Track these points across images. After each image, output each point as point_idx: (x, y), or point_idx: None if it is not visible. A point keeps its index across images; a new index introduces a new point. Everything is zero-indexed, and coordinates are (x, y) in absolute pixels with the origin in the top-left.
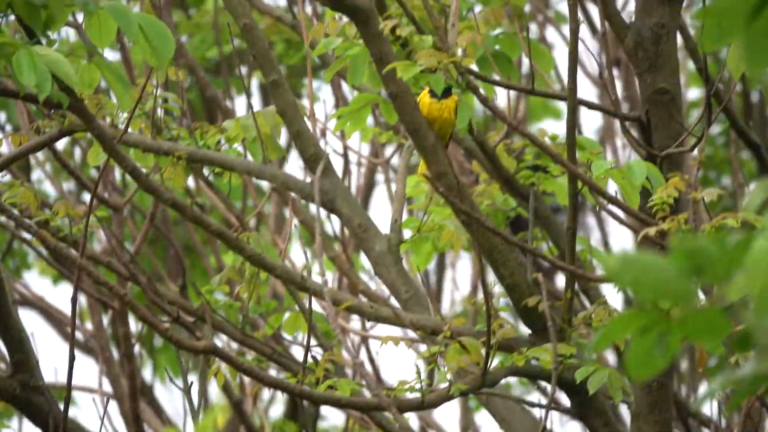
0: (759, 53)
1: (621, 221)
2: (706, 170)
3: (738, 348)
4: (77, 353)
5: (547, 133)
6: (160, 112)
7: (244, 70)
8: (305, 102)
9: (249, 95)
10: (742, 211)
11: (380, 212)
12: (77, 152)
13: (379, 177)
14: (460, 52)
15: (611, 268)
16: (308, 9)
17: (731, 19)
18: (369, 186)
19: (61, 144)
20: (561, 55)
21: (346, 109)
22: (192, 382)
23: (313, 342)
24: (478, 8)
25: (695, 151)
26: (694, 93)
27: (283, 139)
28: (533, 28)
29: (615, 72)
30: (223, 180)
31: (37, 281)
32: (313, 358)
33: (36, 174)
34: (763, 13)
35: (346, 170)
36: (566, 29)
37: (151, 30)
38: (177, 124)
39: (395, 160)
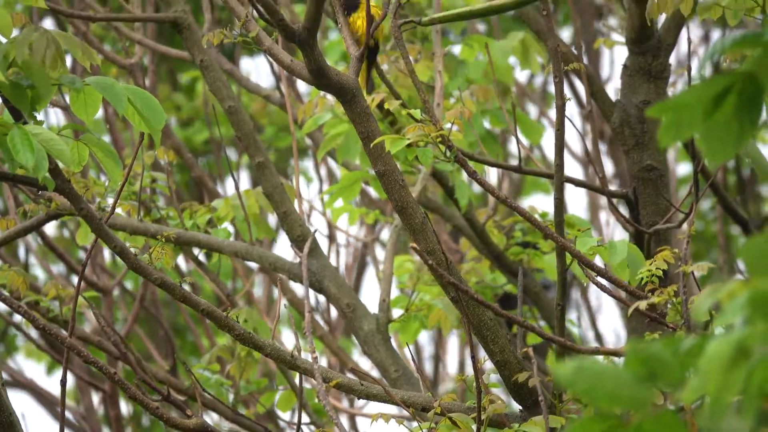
0: (717, 146)
1: (610, 294)
2: (696, 245)
3: None
4: None
5: (537, 210)
6: (148, 191)
7: (232, 154)
8: (293, 181)
9: (234, 176)
10: (692, 314)
11: (369, 291)
12: (65, 234)
13: (368, 256)
14: (448, 126)
15: (565, 376)
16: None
17: (689, 114)
18: (361, 267)
19: (51, 228)
20: (548, 138)
21: (336, 186)
22: None
23: (306, 419)
24: (464, 91)
25: (684, 226)
26: (683, 168)
27: (272, 219)
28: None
29: (603, 148)
30: (212, 260)
31: (27, 365)
32: None
33: (23, 256)
34: (720, 108)
35: (331, 247)
36: (553, 112)
37: (140, 101)
38: (165, 205)
39: (384, 235)
